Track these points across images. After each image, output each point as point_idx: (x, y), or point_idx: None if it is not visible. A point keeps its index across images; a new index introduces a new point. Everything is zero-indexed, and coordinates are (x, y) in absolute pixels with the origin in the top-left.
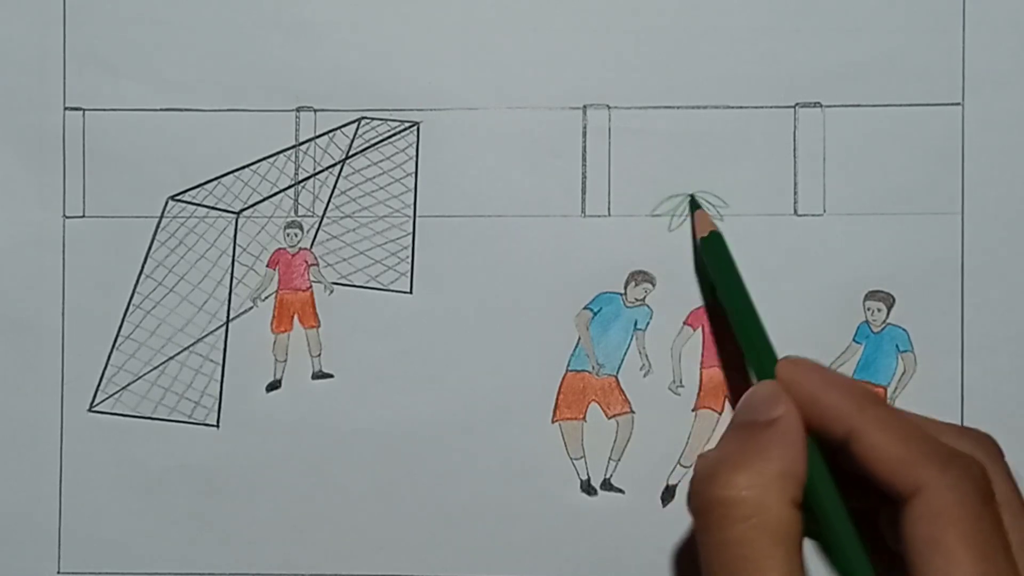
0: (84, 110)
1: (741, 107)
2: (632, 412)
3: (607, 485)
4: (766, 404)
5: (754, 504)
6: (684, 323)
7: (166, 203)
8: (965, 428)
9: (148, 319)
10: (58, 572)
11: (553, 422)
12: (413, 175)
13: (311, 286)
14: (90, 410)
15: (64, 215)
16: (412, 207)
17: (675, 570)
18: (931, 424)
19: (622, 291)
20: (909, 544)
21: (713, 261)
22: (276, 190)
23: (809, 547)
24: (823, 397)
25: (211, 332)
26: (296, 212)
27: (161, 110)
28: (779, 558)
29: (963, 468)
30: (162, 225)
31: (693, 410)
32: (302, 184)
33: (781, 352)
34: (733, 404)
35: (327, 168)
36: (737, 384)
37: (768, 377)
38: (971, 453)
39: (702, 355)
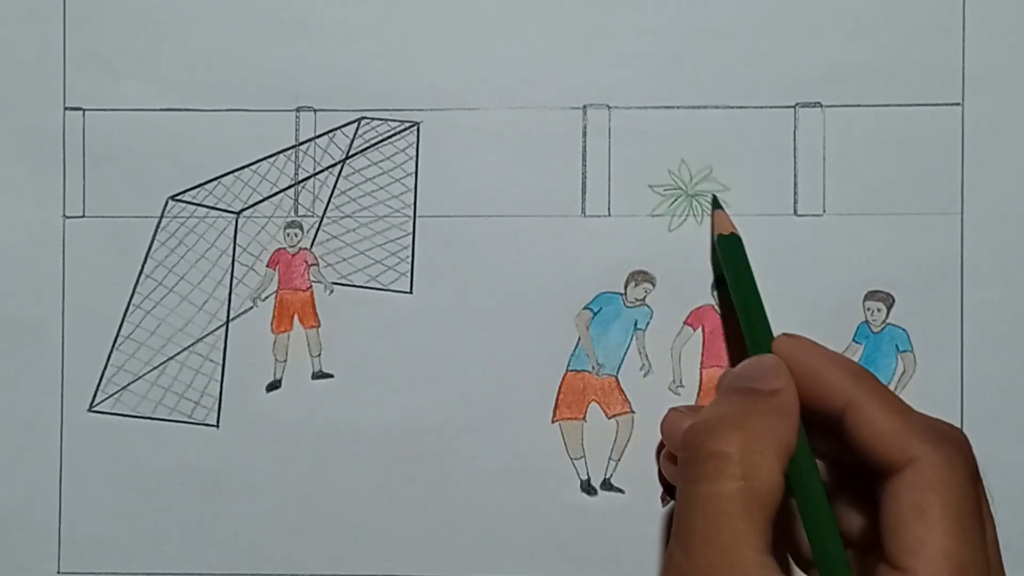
0: (84, 110)
1: (741, 107)
2: (632, 412)
3: (607, 485)
4: (767, 375)
5: (748, 465)
6: (684, 323)
7: (166, 203)
8: (939, 420)
9: (148, 319)
10: (58, 572)
11: (553, 422)
12: (413, 175)
13: (311, 286)
14: (90, 410)
15: (64, 215)
16: (412, 207)
17: (667, 531)
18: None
19: (622, 291)
20: (891, 512)
21: (727, 259)
22: (276, 190)
23: None
24: (823, 370)
25: (211, 332)
26: (296, 212)
27: (161, 110)
28: (758, 521)
29: (956, 446)
30: (162, 225)
31: None
32: (302, 184)
33: None
34: None
35: (327, 168)
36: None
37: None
38: None
39: (702, 355)
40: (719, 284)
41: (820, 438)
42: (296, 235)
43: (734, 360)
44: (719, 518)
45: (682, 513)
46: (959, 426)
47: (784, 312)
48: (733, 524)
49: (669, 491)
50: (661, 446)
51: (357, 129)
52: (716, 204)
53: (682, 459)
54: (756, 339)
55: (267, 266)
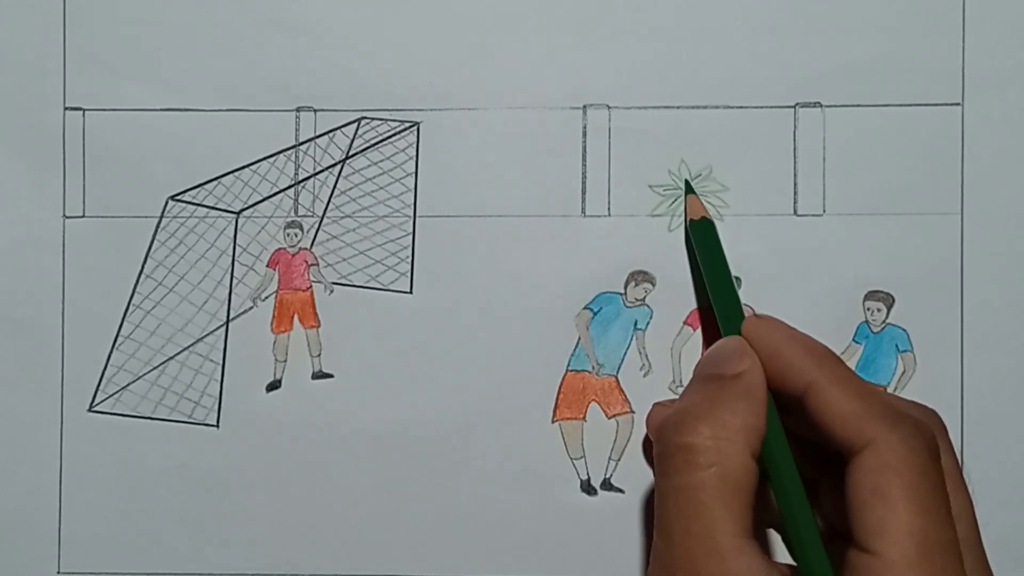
0: (84, 110)
1: (741, 107)
2: (632, 412)
3: (607, 485)
4: (732, 358)
5: (716, 453)
6: (684, 323)
7: (166, 203)
8: (913, 401)
9: (148, 319)
10: (58, 572)
11: (553, 422)
12: (413, 175)
13: (311, 286)
14: (90, 410)
15: (64, 215)
16: (412, 207)
17: (644, 519)
18: (883, 393)
19: (622, 291)
20: (854, 495)
21: (699, 243)
22: (276, 190)
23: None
24: (785, 352)
25: (211, 332)
26: (296, 212)
27: (161, 110)
28: (733, 507)
29: (914, 426)
30: (162, 225)
31: None
32: (302, 184)
33: None
34: None
35: (327, 168)
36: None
37: (735, 334)
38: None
39: (702, 355)
40: (693, 271)
41: (797, 421)
42: (296, 235)
43: (707, 339)
44: (693, 507)
45: (660, 506)
46: (959, 426)
47: (784, 312)
48: (707, 512)
49: None
50: (648, 440)
51: (357, 129)
52: (689, 189)
53: (655, 454)
54: (728, 322)
55: (267, 266)
